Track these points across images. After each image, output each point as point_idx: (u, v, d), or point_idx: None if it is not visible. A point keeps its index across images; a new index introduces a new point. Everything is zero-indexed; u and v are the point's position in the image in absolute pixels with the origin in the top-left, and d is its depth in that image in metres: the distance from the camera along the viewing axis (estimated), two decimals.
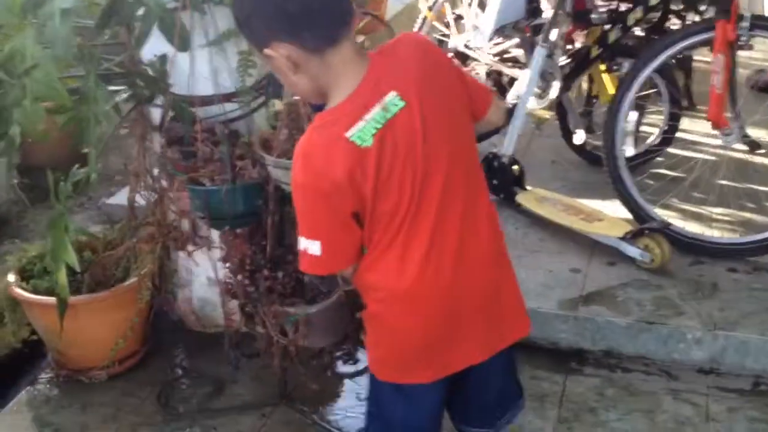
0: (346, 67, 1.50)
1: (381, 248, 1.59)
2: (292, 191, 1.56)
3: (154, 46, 2.29)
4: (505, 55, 3.71)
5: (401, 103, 1.50)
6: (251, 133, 2.49)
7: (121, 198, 2.96)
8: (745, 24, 2.85)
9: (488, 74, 3.75)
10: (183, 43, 2.23)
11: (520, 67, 3.55)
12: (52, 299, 2.51)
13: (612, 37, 3.25)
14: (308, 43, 1.46)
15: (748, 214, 3.19)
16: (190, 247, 2.66)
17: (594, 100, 3.83)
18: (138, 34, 2.21)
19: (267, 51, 1.48)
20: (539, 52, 3.13)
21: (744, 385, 2.55)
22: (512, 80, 3.60)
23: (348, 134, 1.48)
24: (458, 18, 3.95)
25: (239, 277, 2.30)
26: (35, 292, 2.63)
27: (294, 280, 2.21)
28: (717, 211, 3.25)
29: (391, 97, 1.50)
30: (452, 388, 1.79)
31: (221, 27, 2.40)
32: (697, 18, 3.28)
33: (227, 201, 2.11)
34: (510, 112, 3.70)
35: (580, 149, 3.71)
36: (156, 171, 2.73)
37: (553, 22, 3.10)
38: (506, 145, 3.24)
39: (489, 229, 1.68)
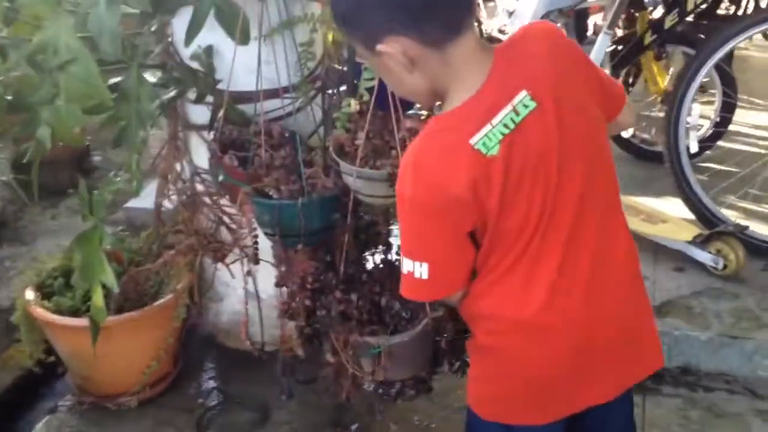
0: (468, 63, 1.30)
1: (500, 271, 1.37)
2: (398, 206, 1.35)
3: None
4: None
5: (532, 104, 1.30)
6: (302, 134, 2.23)
7: (145, 202, 2.65)
8: None
9: None
10: (245, 35, 1.94)
11: None
12: (80, 321, 2.23)
13: (668, 22, 3.02)
14: (429, 35, 1.26)
15: None
16: (229, 258, 2.41)
17: (630, 89, 3.62)
18: (191, 24, 1.92)
19: (380, 47, 1.27)
20: (603, 39, 2.89)
21: None
22: None
23: (472, 141, 1.28)
24: (487, 0, 3.71)
25: (301, 297, 2.03)
26: (58, 311, 2.34)
27: (370, 303, 1.95)
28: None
29: (522, 97, 1.29)
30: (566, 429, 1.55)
31: (273, 17, 2.14)
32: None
33: (303, 216, 1.84)
34: None
35: (626, 143, 3.49)
36: (187, 173, 2.48)
37: (621, 7, 2.86)
38: None
39: (626, 248, 1.46)
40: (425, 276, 1.35)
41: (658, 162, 3.05)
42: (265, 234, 1.95)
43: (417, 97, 1.42)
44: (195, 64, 2.16)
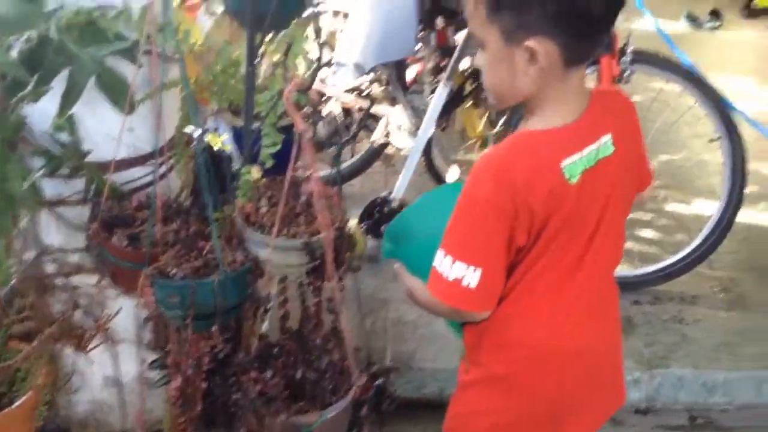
0: (576, 91, 1.37)
1: (535, 294, 1.41)
2: (464, 206, 1.35)
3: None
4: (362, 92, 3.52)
5: (612, 149, 1.39)
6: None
7: None
8: (627, 59, 2.92)
9: (344, 111, 3.54)
10: (132, 105, 1.79)
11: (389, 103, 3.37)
12: None
13: None
14: (573, 51, 1.30)
15: (627, 245, 3.26)
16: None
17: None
18: (67, 93, 1.74)
19: (531, 43, 1.28)
20: (443, 91, 2.98)
21: (682, 421, 2.60)
22: (367, 117, 3.43)
23: (563, 164, 1.33)
24: None
25: (197, 381, 1.89)
26: None
27: (284, 378, 1.86)
28: None
29: (607, 138, 1.39)
30: None
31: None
32: None
33: (220, 294, 1.72)
34: (378, 153, 3.55)
35: None
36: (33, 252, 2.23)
37: (459, 59, 2.97)
38: (398, 188, 3.06)
39: (616, 292, 1.57)
40: (474, 284, 1.34)
41: None
42: (171, 318, 1.79)
43: (511, 97, 1.39)
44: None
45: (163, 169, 2.13)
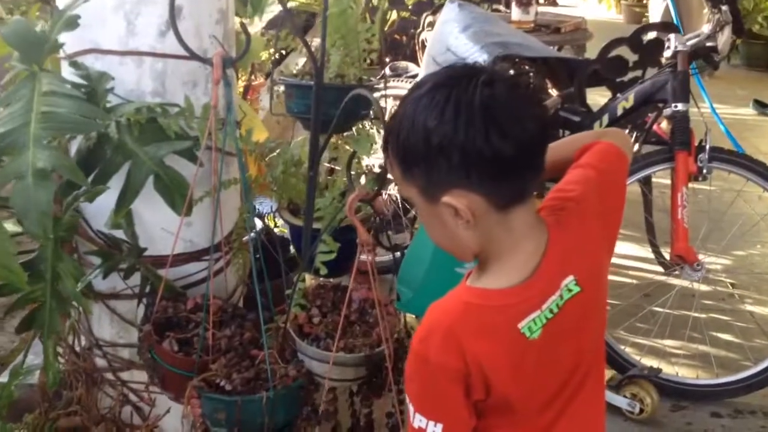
0: (527, 233, 1.24)
1: None
2: (414, 363, 1.25)
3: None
4: None
5: (576, 289, 1.26)
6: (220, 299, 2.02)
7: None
8: (704, 156, 2.79)
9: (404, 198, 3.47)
10: (190, 207, 1.73)
11: None
12: None
13: None
14: (499, 196, 1.19)
15: (704, 348, 3.09)
16: None
17: None
18: (123, 193, 1.69)
19: (447, 199, 1.18)
20: None
21: None
22: None
23: (521, 325, 1.22)
24: None
25: None
26: None
27: None
28: (669, 344, 3.12)
29: (568, 281, 1.26)
30: None
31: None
32: None
33: (268, 412, 1.62)
34: None
35: None
36: (82, 344, 2.17)
37: None
38: None
39: (603, 418, 1.42)
40: None
41: None
42: None
43: (460, 254, 1.30)
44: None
45: (219, 264, 2.08)
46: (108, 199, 1.79)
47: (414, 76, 3.65)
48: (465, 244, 1.24)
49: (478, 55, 3.02)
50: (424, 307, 1.31)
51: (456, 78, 1.18)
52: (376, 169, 1.96)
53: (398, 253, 1.83)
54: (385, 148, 1.26)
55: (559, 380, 1.28)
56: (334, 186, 1.82)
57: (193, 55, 1.74)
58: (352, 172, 1.71)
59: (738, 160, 2.85)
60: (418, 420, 1.26)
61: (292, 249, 2.60)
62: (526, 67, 3.46)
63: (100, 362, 2.17)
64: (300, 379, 1.69)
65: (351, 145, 1.79)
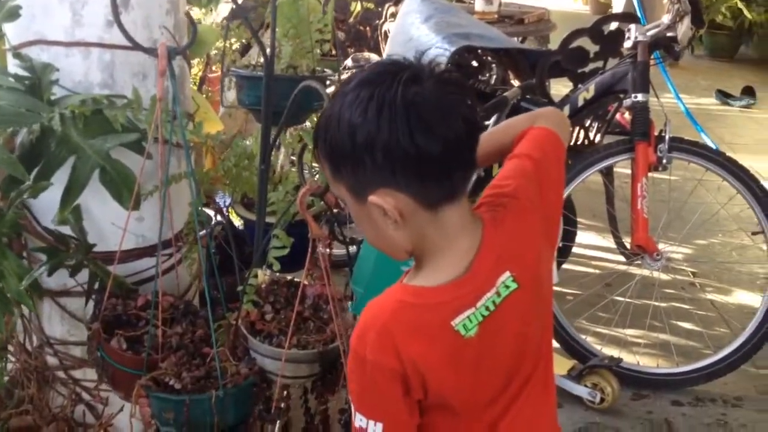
0: (460, 231, 1.21)
1: None
2: (352, 361, 1.23)
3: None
4: None
5: (514, 286, 1.23)
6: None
7: None
8: (664, 146, 2.80)
9: None
10: (138, 201, 1.69)
11: None
12: None
13: None
14: (427, 195, 1.16)
15: (664, 337, 3.09)
16: None
17: None
18: (69, 188, 1.65)
19: (373, 198, 1.15)
20: None
21: None
22: None
23: (454, 323, 1.19)
24: None
25: None
26: None
27: None
28: (630, 333, 3.12)
29: (505, 278, 1.22)
30: None
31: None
32: None
33: (218, 411, 1.58)
34: None
35: None
36: (34, 343, 2.12)
37: None
38: None
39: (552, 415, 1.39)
40: None
41: None
42: None
43: (394, 253, 1.27)
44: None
45: (172, 261, 2.04)
46: (56, 194, 1.75)
47: None
48: (397, 244, 1.21)
49: (440, 46, 2.99)
50: None
51: (381, 74, 1.15)
52: None
53: (353, 247, 1.80)
54: (315, 146, 1.23)
55: (500, 379, 1.25)
56: (287, 180, 1.79)
57: (137, 46, 1.70)
58: (305, 167, 1.68)
59: (697, 150, 2.85)
60: (359, 419, 1.24)
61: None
62: (488, 59, 3.45)
63: (52, 360, 2.12)
64: (252, 377, 1.65)
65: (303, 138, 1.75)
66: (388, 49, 3.39)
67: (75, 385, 2.11)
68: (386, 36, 3.82)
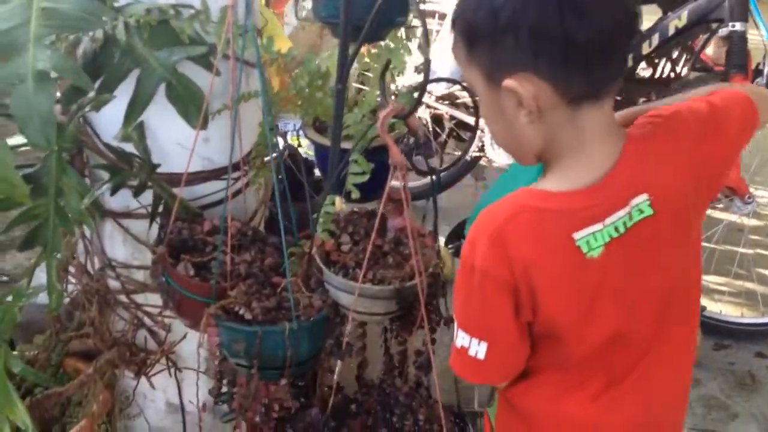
0: (599, 136, 1.10)
1: (558, 377, 1.20)
2: (460, 272, 1.15)
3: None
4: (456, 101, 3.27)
5: (649, 211, 1.10)
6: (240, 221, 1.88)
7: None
8: (763, 81, 2.60)
9: (434, 120, 3.30)
10: (206, 119, 1.58)
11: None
12: None
13: None
14: (571, 86, 1.04)
15: (750, 285, 2.92)
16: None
17: None
18: (133, 102, 1.54)
19: (509, 82, 1.05)
20: None
21: None
22: (458, 126, 3.18)
23: (576, 236, 1.08)
24: None
25: (265, 429, 1.67)
26: None
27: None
28: (714, 280, 2.95)
29: (640, 200, 1.10)
30: None
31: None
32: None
33: (291, 345, 1.49)
34: (470, 166, 3.29)
35: None
36: (96, 265, 2.05)
37: None
38: None
39: (689, 371, 1.29)
40: (481, 356, 1.16)
41: None
42: (236, 364, 1.58)
43: (522, 154, 1.16)
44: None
45: (239, 185, 1.93)
46: (120, 109, 1.64)
47: None
48: (527, 142, 1.11)
49: None
50: None
51: None
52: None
53: (433, 177, 1.67)
54: (452, 26, 1.13)
55: (622, 320, 1.13)
56: (364, 102, 1.65)
57: None
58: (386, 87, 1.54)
59: None
60: (461, 338, 1.17)
61: (317, 171, 2.45)
62: None
63: (113, 284, 2.05)
64: (325, 311, 1.55)
65: (384, 56, 1.60)
66: None
67: (137, 309, 2.04)
68: None
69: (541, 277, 1.09)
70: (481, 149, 3.17)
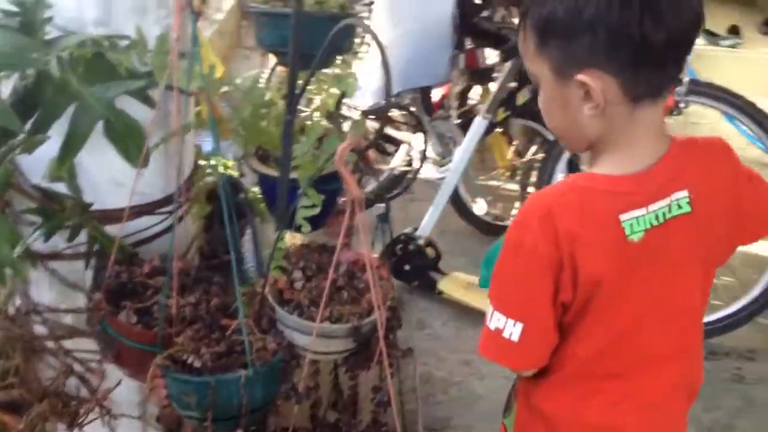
0: (650, 133, 1.18)
1: (592, 376, 1.23)
2: (507, 250, 1.20)
3: None
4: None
5: (687, 208, 1.18)
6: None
7: None
8: (683, 89, 2.67)
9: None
10: (147, 159, 1.48)
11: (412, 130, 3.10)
12: None
13: (521, 99, 2.90)
14: (636, 86, 1.12)
15: None
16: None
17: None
18: (67, 143, 1.43)
19: (581, 77, 1.11)
20: (481, 123, 2.70)
21: None
22: (382, 139, 3.15)
23: (623, 217, 1.15)
24: None
25: None
26: None
27: None
28: None
29: (681, 195, 1.18)
30: None
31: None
32: None
33: (246, 393, 1.41)
34: (397, 180, 3.26)
35: (475, 218, 3.32)
36: (19, 310, 1.91)
37: (502, 90, 2.68)
38: (424, 225, 2.79)
39: (698, 370, 1.36)
40: (515, 338, 1.19)
41: None
42: (186, 417, 1.49)
43: (575, 141, 1.23)
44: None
45: (170, 219, 1.83)
46: (46, 147, 1.53)
47: None
48: (584, 131, 1.17)
49: None
50: None
51: None
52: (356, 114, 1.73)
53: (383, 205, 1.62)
54: (523, 16, 1.18)
55: (644, 308, 1.18)
56: (311, 130, 1.59)
57: None
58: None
59: (715, 92, 2.73)
60: (495, 319, 1.20)
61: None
62: None
63: (39, 329, 1.92)
64: (280, 353, 1.48)
65: (331, 85, 1.55)
66: None
67: (66, 356, 1.91)
68: None
69: (585, 251, 1.14)
70: (409, 163, 3.15)
